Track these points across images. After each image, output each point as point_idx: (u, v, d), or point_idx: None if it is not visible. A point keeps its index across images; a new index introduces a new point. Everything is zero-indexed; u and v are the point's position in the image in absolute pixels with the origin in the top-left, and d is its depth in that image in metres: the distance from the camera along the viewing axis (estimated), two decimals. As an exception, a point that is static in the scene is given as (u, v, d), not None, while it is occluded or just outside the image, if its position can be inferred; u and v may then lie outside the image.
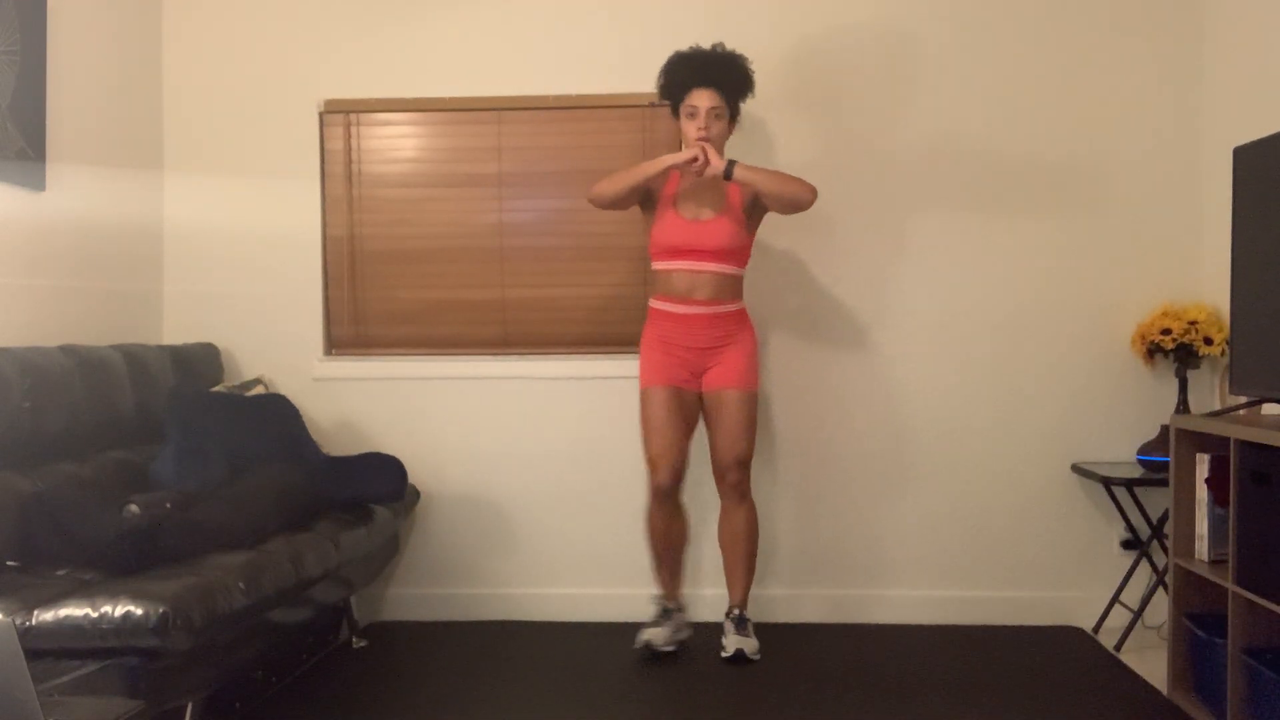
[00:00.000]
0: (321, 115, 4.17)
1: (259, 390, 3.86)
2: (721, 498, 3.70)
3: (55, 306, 3.52)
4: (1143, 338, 3.84)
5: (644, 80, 4.05)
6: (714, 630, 3.75)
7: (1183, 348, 3.77)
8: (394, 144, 4.19)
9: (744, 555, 3.68)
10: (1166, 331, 3.77)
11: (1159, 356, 3.90)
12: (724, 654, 3.58)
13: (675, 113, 3.67)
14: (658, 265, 3.67)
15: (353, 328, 4.22)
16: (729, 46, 3.64)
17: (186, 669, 2.60)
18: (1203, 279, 3.96)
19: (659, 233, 3.63)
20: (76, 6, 3.64)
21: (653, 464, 3.61)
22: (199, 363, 3.93)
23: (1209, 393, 3.95)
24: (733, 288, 3.64)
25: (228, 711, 3.05)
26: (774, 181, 3.54)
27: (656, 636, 3.60)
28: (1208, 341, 3.74)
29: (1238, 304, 3.07)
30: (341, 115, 4.18)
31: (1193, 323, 3.75)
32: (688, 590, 3.85)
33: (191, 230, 4.18)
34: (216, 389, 3.79)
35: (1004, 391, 4.04)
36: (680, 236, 3.58)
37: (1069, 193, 4.01)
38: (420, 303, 4.19)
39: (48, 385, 3.10)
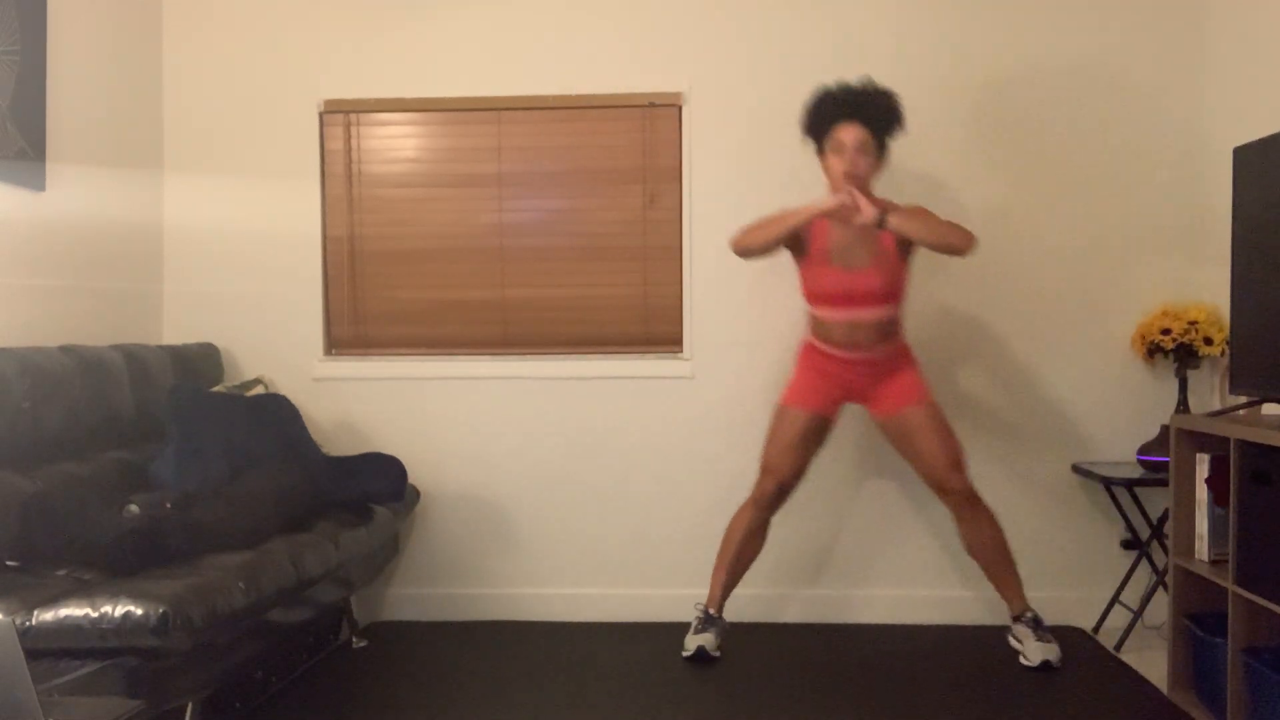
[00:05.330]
0: (321, 115, 4.18)
1: (259, 390, 3.86)
2: (952, 510, 3.57)
3: (55, 306, 3.52)
4: (1143, 338, 3.84)
5: (644, 80, 4.06)
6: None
7: (1183, 348, 3.77)
8: (394, 144, 4.19)
9: (1002, 559, 3.55)
10: (1166, 331, 3.77)
11: (1159, 356, 3.90)
12: (1026, 662, 3.49)
13: (819, 150, 3.52)
14: (814, 311, 3.57)
15: (353, 328, 4.22)
16: (858, 79, 3.53)
17: (186, 669, 2.60)
18: (1203, 279, 3.96)
19: (813, 281, 3.51)
20: (76, 6, 3.64)
21: (766, 470, 3.59)
22: (199, 363, 3.93)
23: (1209, 393, 3.95)
24: (894, 327, 3.54)
25: (228, 711, 3.05)
26: (931, 232, 3.33)
27: (707, 643, 3.58)
28: (1208, 341, 3.74)
29: (1238, 304, 3.07)
30: (341, 115, 4.18)
31: (1193, 323, 3.75)
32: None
33: (191, 230, 4.19)
34: (216, 389, 3.79)
35: (1004, 391, 4.04)
36: (836, 287, 3.47)
37: (1068, 193, 4.01)
38: (420, 303, 4.20)
39: (48, 385, 3.10)
